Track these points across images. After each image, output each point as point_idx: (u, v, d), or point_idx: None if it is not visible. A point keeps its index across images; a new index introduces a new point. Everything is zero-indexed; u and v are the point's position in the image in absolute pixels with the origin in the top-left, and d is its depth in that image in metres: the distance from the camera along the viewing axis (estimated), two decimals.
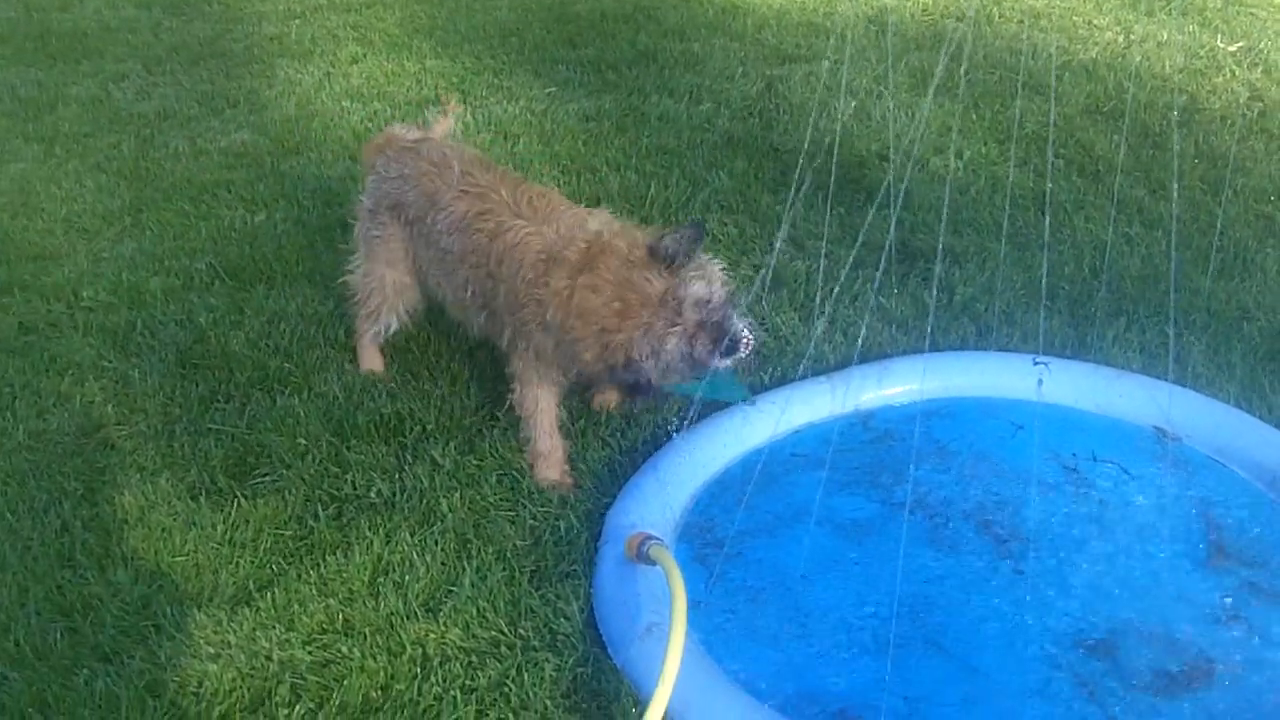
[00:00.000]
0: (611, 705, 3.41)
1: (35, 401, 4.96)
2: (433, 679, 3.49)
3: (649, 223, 5.78)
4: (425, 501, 4.22)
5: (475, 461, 4.40)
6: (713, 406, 4.40)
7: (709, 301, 3.84)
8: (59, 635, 3.76)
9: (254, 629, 3.71)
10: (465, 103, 7.91)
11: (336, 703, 3.44)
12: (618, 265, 3.84)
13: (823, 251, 5.55)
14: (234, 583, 3.92)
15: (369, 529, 4.09)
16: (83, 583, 3.96)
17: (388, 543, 4.03)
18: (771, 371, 4.82)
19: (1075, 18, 8.83)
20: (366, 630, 3.68)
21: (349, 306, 4.98)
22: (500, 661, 3.55)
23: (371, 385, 4.87)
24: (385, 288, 4.78)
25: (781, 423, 4.42)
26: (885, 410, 4.57)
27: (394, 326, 4.88)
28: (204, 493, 4.35)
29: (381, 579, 3.89)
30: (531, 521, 4.11)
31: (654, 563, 3.54)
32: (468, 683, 3.48)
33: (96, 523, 4.24)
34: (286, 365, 5.03)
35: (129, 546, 4.11)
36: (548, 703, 3.41)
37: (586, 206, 4.33)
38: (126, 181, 7.10)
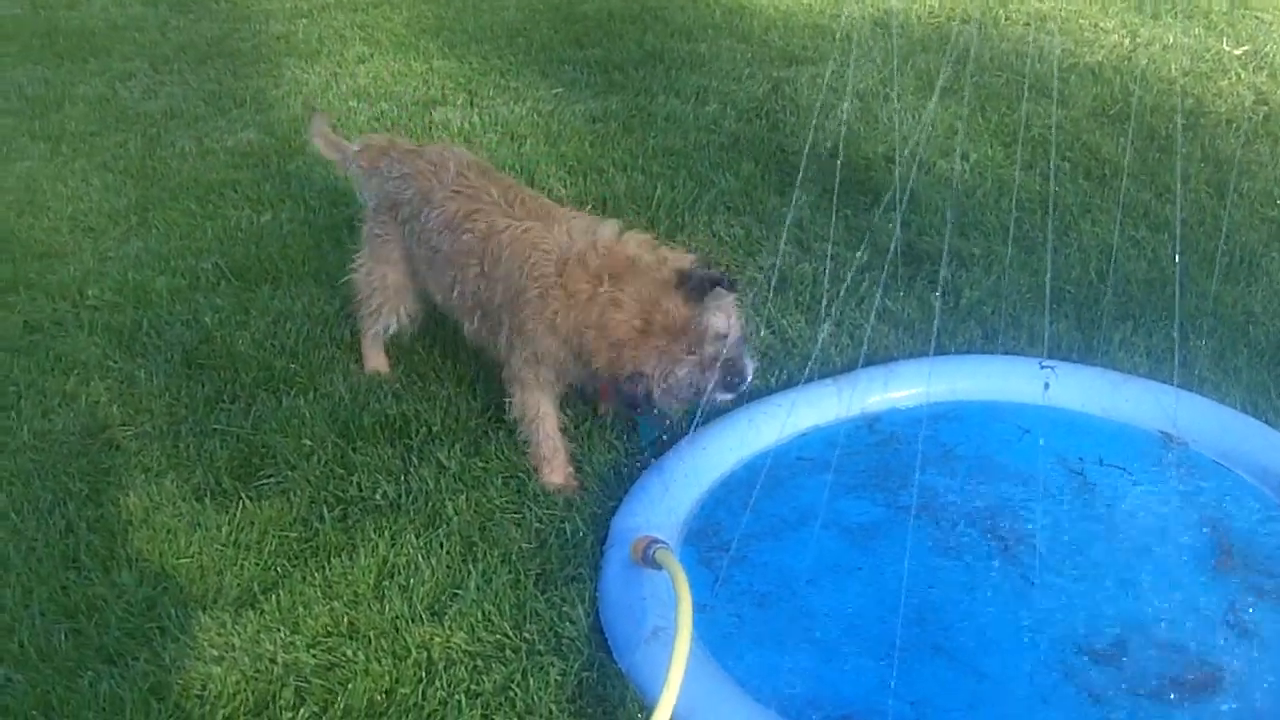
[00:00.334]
0: (617, 710, 3.40)
1: (40, 401, 4.96)
2: (437, 683, 3.49)
3: (655, 225, 5.82)
4: (430, 504, 4.22)
5: (481, 464, 4.40)
6: (714, 408, 4.39)
7: (725, 336, 3.90)
8: (63, 637, 3.76)
9: (258, 631, 3.71)
10: (472, 103, 7.91)
11: (341, 706, 3.44)
12: (645, 283, 3.88)
13: (829, 254, 5.55)
14: (238, 585, 3.92)
15: (374, 531, 4.09)
16: (87, 584, 3.96)
17: (393, 545, 4.03)
18: (778, 374, 4.81)
19: (1081, 21, 8.82)
20: (371, 633, 3.68)
21: (353, 305, 4.99)
22: (505, 665, 3.55)
23: (377, 386, 4.87)
24: (386, 287, 4.79)
25: (787, 426, 4.41)
26: (891, 414, 4.56)
27: (393, 327, 4.89)
28: (209, 494, 4.35)
29: (386, 582, 3.89)
30: (537, 524, 4.11)
31: (659, 566, 3.54)
32: (473, 687, 3.48)
33: (101, 524, 4.24)
34: (292, 366, 5.03)
35: (134, 548, 4.11)
36: (553, 707, 3.41)
37: (588, 210, 4.34)
38: (133, 180, 7.11)
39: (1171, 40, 8.39)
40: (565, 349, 4.06)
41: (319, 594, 3.86)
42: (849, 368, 4.79)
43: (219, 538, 4.12)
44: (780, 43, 8.73)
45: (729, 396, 4.02)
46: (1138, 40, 8.35)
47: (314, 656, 3.61)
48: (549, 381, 4.28)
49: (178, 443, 4.64)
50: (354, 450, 4.50)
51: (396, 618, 3.73)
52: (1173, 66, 7.92)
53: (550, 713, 3.40)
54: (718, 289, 3.86)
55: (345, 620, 3.74)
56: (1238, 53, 7.99)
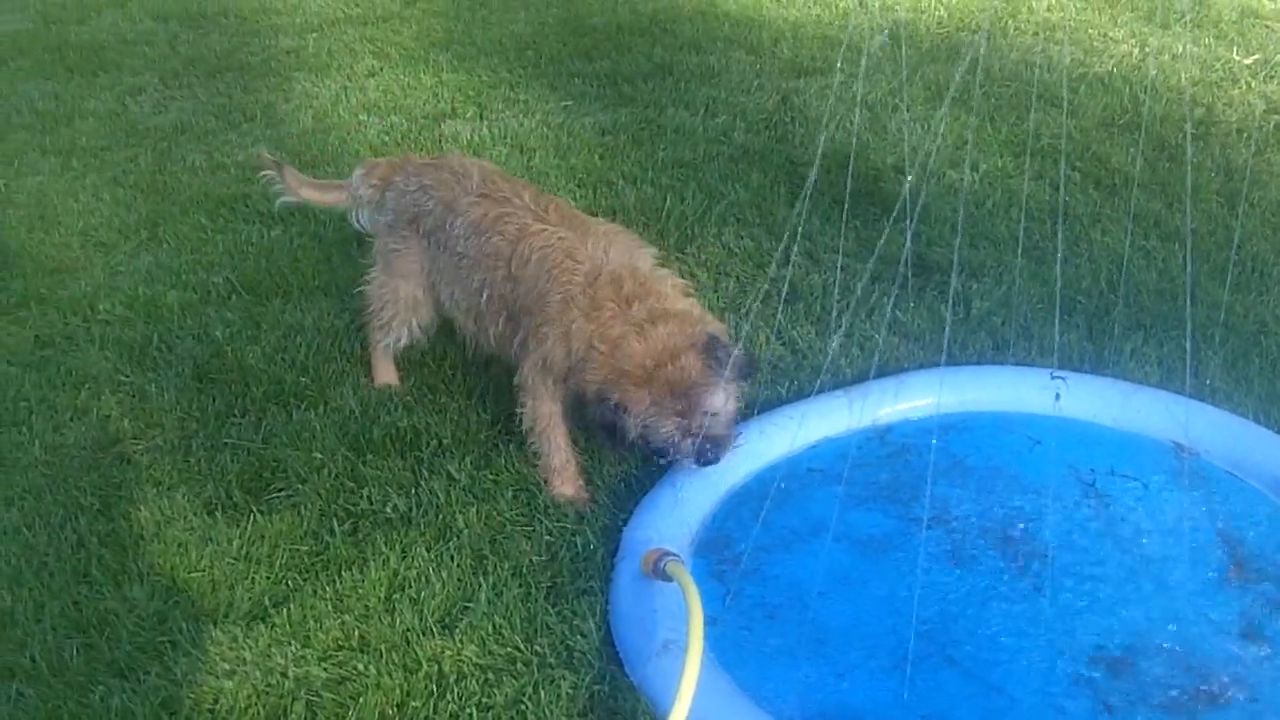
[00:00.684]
0: None
1: (52, 416, 4.97)
2: (449, 696, 3.48)
3: (665, 236, 5.83)
4: (441, 517, 4.22)
5: (491, 476, 4.40)
6: None
7: (717, 416, 3.97)
8: (75, 651, 3.76)
9: (269, 645, 3.71)
10: (482, 116, 7.92)
11: None
12: (674, 331, 3.93)
13: (839, 265, 5.54)
14: (250, 598, 3.92)
15: (385, 544, 4.09)
16: (99, 598, 3.97)
17: (403, 558, 4.03)
18: (788, 386, 4.81)
19: (1090, 30, 8.80)
20: (382, 647, 3.68)
21: (364, 317, 4.99)
22: (516, 679, 3.55)
23: (387, 399, 4.88)
24: (399, 300, 4.79)
25: (798, 437, 4.41)
26: (902, 425, 4.55)
27: (404, 340, 4.89)
28: (220, 508, 4.36)
29: (397, 595, 3.89)
30: (548, 537, 4.11)
31: (670, 579, 3.54)
32: (484, 700, 3.48)
33: (113, 538, 4.24)
34: (302, 379, 5.04)
35: (145, 562, 4.12)
36: None
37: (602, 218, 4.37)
38: (143, 195, 7.12)
39: (1181, 50, 8.37)
40: (569, 360, 4.06)
41: (330, 607, 3.86)
42: (860, 379, 4.78)
43: (230, 551, 4.12)
44: (789, 54, 8.73)
45: (696, 466, 4.07)
46: (1147, 50, 8.34)
47: (325, 670, 3.61)
48: (557, 391, 4.28)
49: (189, 457, 4.65)
50: (364, 463, 4.51)
51: (407, 631, 3.73)
52: (1182, 76, 7.91)
53: None
54: (735, 370, 3.93)
55: (356, 634, 3.74)
56: (1248, 62, 7.98)
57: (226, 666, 3.65)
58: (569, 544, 4.07)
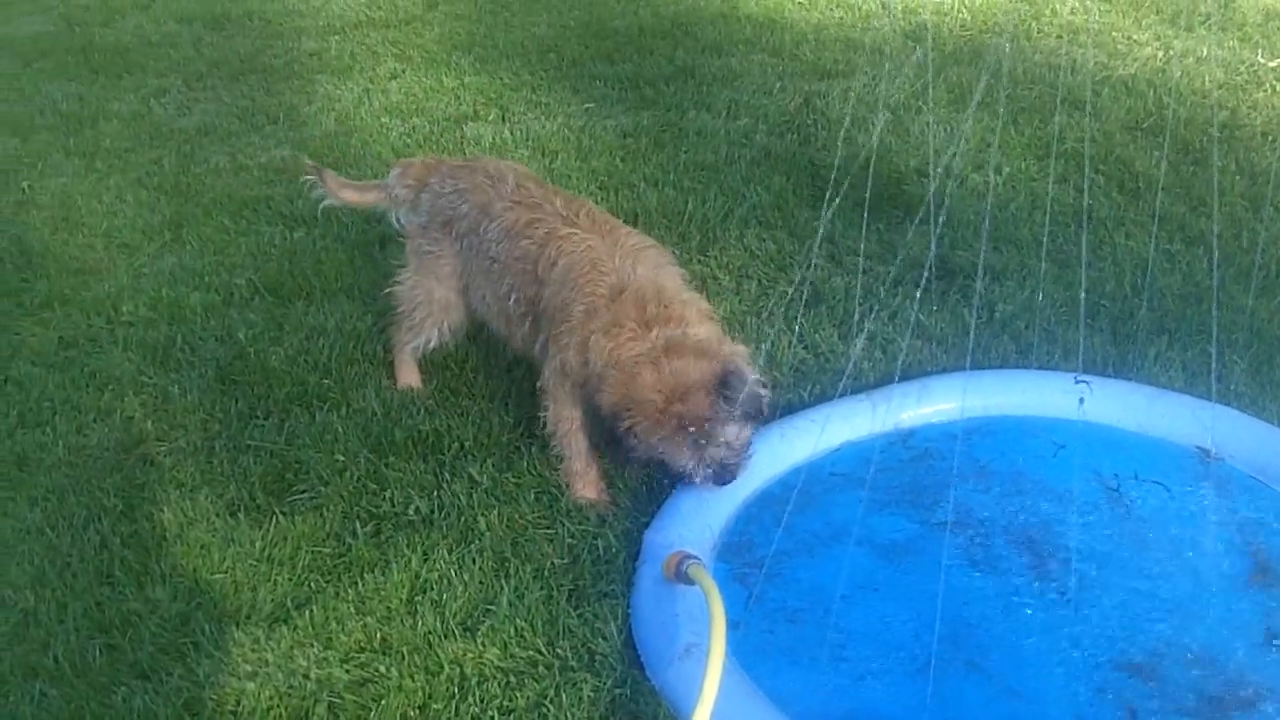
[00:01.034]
0: None
1: (75, 417, 4.99)
2: (470, 699, 3.49)
3: (687, 239, 5.83)
4: (463, 519, 4.22)
5: (513, 479, 4.40)
6: None
7: (730, 445, 3.95)
8: (98, 652, 3.77)
9: (292, 647, 3.72)
10: (504, 119, 7.93)
11: None
12: (689, 365, 3.90)
13: (861, 268, 5.53)
14: (272, 600, 3.93)
15: (407, 547, 4.10)
16: (121, 599, 3.98)
17: (425, 561, 4.03)
18: (811, 389, 4.80)
19: (1114, 33, 8.78)
20: (404, 649, 3.68)
21: (391, 319, 5.00)
22: (538, 682, 3.55)
23: (409, 401, 4.88)
24: (431, 301, 4.79)
25: (821, 441, 4.40)
26: (925, 429, 4.54)
27: (434, 342, 4.88)
28: (243, 509, 4.37)
29: (419, 597, 3.89)
30: (570, 540, 4.11)
31: (692, 582, 3.53)
32: (505, 703, 3.48)
33: (135, 539, 4.26)
34: (325, 381, 5.05)
35: (168, 563, 4.13)
36: None
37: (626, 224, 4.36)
38: (167, 197, 7.14)
39: (1205, 53, 8.34)
40: (585, 370, 4.06)
41: (352, 609, 3.86)
42: (882, 382, 4.77)
43: (252, 553, 4.13)
44: (811, 57, 8.72)
45: (710, 488, 4.06)
46: (1171, 53, 8.31)
47: (347, 672, 3.62)
48: (577, 396, 4.27)
49: (211, 458, 4.66)
50: (387, 465, 4.51)
51: (429, 633, 3.74)
52: (1207, 79, 7.87)
53: None
54: (745, 407, 3.92)
55: (378, 636, 3.74)
56: (1272, 65, 7.94)
57: (249, 668, 3.66)
58: (591, 547, 4.07)
